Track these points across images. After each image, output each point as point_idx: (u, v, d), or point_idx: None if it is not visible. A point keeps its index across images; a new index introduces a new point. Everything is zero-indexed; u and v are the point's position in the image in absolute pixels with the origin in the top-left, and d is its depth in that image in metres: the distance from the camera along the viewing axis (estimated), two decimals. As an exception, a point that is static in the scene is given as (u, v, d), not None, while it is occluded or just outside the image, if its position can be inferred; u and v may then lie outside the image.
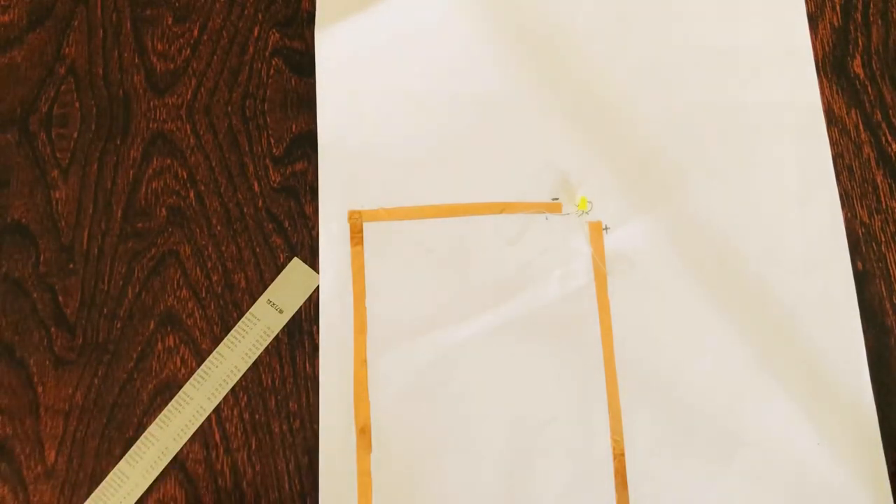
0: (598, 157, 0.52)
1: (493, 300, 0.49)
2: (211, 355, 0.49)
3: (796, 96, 0.53)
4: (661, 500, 0.46)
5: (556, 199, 0.51)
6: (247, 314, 0.50)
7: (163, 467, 0.47)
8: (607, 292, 0.49)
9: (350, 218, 0.51)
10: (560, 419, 0.48)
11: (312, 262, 0.51)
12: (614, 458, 0.47)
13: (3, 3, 0.55)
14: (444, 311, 0.49)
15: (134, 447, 0.48)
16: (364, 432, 0.47)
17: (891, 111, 0.53)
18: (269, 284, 0.50)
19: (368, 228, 0.50)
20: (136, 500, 0.47)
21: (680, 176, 0.51)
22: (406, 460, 0.47)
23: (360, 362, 0.48)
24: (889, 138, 0.53)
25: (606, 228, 0.51)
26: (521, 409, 0.48)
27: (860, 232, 0.51)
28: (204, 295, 0.50)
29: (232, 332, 0.49)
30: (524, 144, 0.52)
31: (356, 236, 0.50)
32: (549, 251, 0.50)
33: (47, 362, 0.49)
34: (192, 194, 0.52)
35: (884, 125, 0.53)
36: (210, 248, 0.51)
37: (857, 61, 0.54)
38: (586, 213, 0.51)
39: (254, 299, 0.50)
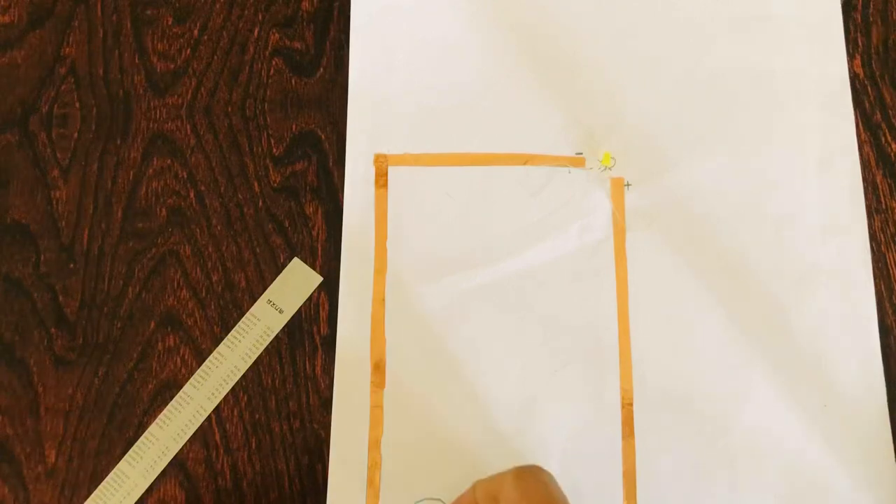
0: (625, 115, 0.53)
1: (512, 248, 0.50)
2: (211, 355, 0.49)
3: (824, 65, 0.53)
4: (666, 452, 0.47)
5: (580, 153, 0.52)
6: (247, 314, 0.50)
7: (163, 467, 0.47)
8: (625, 247, 0.50)
9: (376, 161, 0.52)
10: (572, 366, 0.49)
11: (312, 262, 0.51)
12: (622, 408, 0.48)
13: (3, 3, 0.55)
14: (463, 256, 0.50)
15: (134, 447, 0.48)
16: (378, 368, 0.48)
17: (891, 111, 0.53)
18: (269, 284, 0.50)
19: (393, 172, 0.52)
20: (136, 500, 0.47)
21: (704, 138, 0.52)
22: (418, 397, 0.48)
23: (379, 301, 0.50)
24: (889, 138, 0.53)
25: (628, 185, 0.51)
26: (534, 355, 0.49)
27: (860, 232, 0.51)
28: (204, 295, 0.50)
29: (232, 332, 0.49)
30: (552, 99, 0.53)
31: (381, 179, 0.52)
32: (570, 204, 0.51)
33: (47, 362, 0.49)
34: (192, 194, 0.52)
35: (884, 125, 0.53)
36: (210, 248, 0.51)
37: (857, 61, 0.54)
38: (609, 168, 0.52)
39: (254, 299, 0.50)
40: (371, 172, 0.52)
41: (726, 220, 0.51)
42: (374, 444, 0.47)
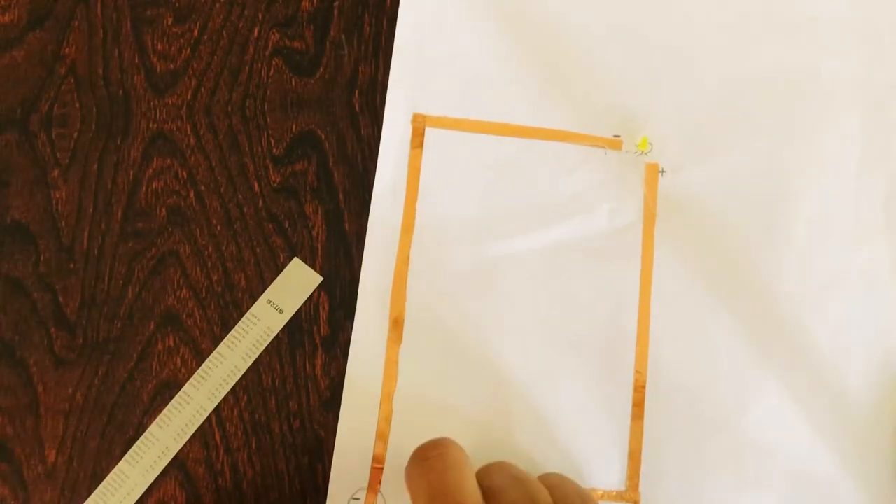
0: (666, 103, 0.53)
1: (539, 223, 0.51)
2: (211, 355, 0.49)
3: (872, 71, 0.53)
4: (673, 438, 0.48)
5: (618, 136, 0.52)
6: (247, 314, 0.50)
7: (163, 467, 0.47)
8: (654, 233, 0.51)
9: (414, 120, 0.52)
10: (589, 344, 0.49)
11: (312, 262, 0.51)
12: (635, 390, 0.48)
13: (3, 3, 0.55)
14: (491, 224, 0.51)
15: (134, 447, 0.48)
16: (397, 324, 0.49)
17: None
18: (269, 284, 0.50)
19: (430, 133, 0.52)
20: (136, 500, 0.47)
21: (743, 133, 0.52)
22: (433, 356, 0.49)
23: (403, 259, 0.50)
24: (889, 138, 0.53)
25: (663, 171, 0.51)
26: (552, 329, 0.49)
27: (860, 232, 0.51)
28: (204, 295, 0.50)
29: (232, 332, 0.49)
30: (595, 79, 0.53)
31: (417, 139, 0.52)
32: (602, 185, 0.51)
33: (47, 362, 0.49)
34: (192, 194, 0.52)
35: (884, 125, 0.53)
36: (210, 248, 0.51)
37: None
38: (646, 153, 0.52)
39: (254, 299, 0.50)
40: (408, 131, 0.52)
41: (758, 217, 0.51)
42: (387, 398, 0.48)
